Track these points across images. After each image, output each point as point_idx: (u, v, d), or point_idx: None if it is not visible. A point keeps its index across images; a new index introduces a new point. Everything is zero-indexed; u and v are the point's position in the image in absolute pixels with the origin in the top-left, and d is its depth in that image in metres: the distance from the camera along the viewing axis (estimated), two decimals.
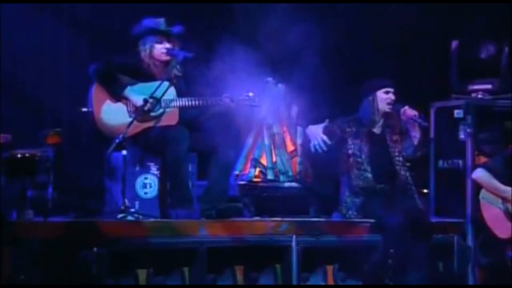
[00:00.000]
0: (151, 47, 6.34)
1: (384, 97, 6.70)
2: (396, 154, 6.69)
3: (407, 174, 6.68)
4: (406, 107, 6.65)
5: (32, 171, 5.97)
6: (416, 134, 6.69)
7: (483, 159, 7.15)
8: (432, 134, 7.33)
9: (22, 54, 7.39)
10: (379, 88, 6.72)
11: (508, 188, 6.76)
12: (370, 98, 6.71)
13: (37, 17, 7.50)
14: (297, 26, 6.92)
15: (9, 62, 7.28)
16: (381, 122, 6.77)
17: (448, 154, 7.32)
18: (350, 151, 6.63)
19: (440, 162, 7.36)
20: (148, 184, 6.37)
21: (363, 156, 6.61)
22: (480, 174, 6.88)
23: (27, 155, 5.98)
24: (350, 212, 6.58)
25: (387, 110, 6.70)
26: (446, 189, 7.30)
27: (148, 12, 6.60)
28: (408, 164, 6.78)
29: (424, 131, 6.80)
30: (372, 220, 6.45)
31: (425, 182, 7.42)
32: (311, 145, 6.58)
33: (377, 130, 6.77)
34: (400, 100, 6.73)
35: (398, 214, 6.30)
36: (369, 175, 6.57)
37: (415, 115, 6.62)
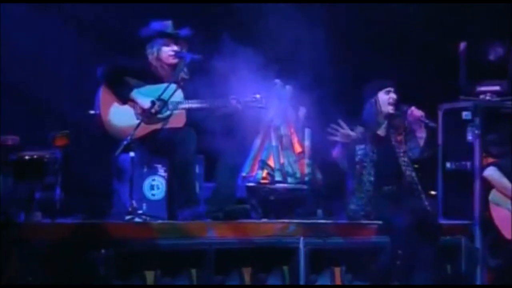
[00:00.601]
0: (159, 50, 6.38)
1: (385, 98, 6.72)
2: (401, 154, 6.69)
3: (413, 174, 6.67)
4: (413, 108, 6.64)
5: (40, 173, 5.97)
6: (422, 135, 6.68)
7: (490, 161, 7.14)
8: (440, 136, 7.32)
9: (30, 57, 7.39)
10: (380, 89, 6.73)
11: None
12: (372, 100, 6.74)
13: (44, 19, 7.50)
14: (304, 27, 6.93)
15: (16, 64, 7.29)
16: (385, 124, 6.78)
17: (456, 155, 7.31)
18: (357, 158, 6.62)
19: (448, 164, 7.35)
20: (155, 185, 6.38)
21: (368, 160, 6.59)
22: (491, 173, 6.91)
23: (35, 157, 5.98)
24: (357, 214, 6.56)
25: (390, 111, 6.71)
26: (454, 191, 7.29)
27: (155, 14, 6.61)
28: (416, 165, 6.76)
29: (431, 132, 6.79)
30: (379, 222, 6.44)
31: (433, 183, 7.40)
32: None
33: (381, 132, 6.78)
34: (409, 102, 6.73)
35: (405, 215, 6.30)
36: (372, 178, 6.56)
37: (421, 116, 6.62)
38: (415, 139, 6.69)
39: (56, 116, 7.33)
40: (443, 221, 6.98)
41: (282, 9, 7.07)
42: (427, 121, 6.65)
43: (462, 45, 7.52)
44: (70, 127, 6.45)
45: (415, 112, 6.63)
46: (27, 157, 5.96)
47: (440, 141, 7.32)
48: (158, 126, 6.22)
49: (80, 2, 7.58)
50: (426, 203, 6.63)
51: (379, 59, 8.04)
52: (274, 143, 7.18)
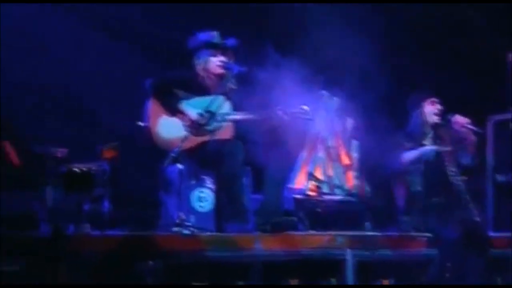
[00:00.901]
0: (206, 61, 6.39)
1: (431, 108, 6.77)
2: (449, 164, 6.65)
3: (462, 184, 6.63)
4: (457, 116, 6.65)
5: (88, 185, 6.07)
6: (471, 142, 6.64)
7: None
8: (489, 147, 7.25)
9: (79, 69, 7.50)
10: (425, 100, 6.78)
11: None
12: (418, 111, 6.79)
13: (92, 31, 7.62)
14: (349, 36, 6.95)
15: (65, 76, 7.39)
16: (431, 134, 6.79)
17: (506, 167, 7.23)
18: (405, 169, 6.61)
19: (498, 176, 7.28)
20: (203, 197, 6.36)
21: (416, 171, 6.57)
22: None
23: (84, 169, 6.10)
24: (405, 226, 6.52)
25: (436, 121, 6.74)
26: (504, 203, 7.21)
27: (200, 25, 6.62)
28: (463, 175, 6.70)
29: (479, 138, 6.74)
30: (428, 234, 6.38)
31: (482, 195, 7.33)
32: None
33: (428, 142, 6.77)
34: (457, 112, 6.73)
35: (454, 227, 6.27)
36: (420, 188, 6.56)
37: (467, 122, 6.61)
38: (465, 147, 6.65)
39: (105, 128, 7.41)
40: (493, 234, 6.89)
41: (326, 18, 7.04)
42: (473, 127, 6.61)
43: (511, 56, 7.44)
44: (119, 139, 6.54)
45: (460, 119, 6.65)
46: (76, 169, 6.08)
47: (490, 152, 7.25)
48: (206, 138, 6.21)
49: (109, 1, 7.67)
50: (475, 214, 6.56)
51: (428, 70, 7.99)
52: (321, 155, 7.19)
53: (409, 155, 6.63)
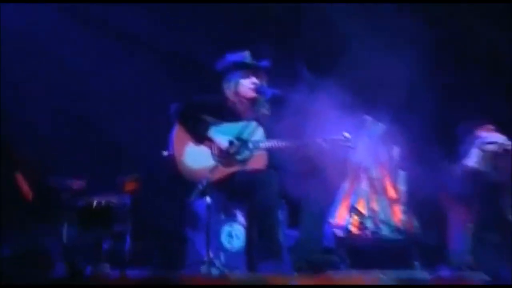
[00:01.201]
0: (237, 83, 6.18)
1: (485, 136, 6.62)
2: (505, 197, 6.41)
3: None
4: None
5: (108, 220, 6.02)
6: None
7: None
8: None
9: (98, 94, 7.50)
10: (479, 127, 6.64)
11: None
12: (471, 138, 6.64)
13: (115, 57, 7.60)
14: (397, 56, 6.80)
15: (84, 102, 7.42)
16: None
17: None
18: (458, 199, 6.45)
19: None
20: (233, 233, 6.24)
21: (470, 203, 6.39)
22: None
23: (102, 203, 6.04)
24: (459, 266, 6.30)
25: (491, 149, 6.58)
26: None
27: (230, 46, 6.40)
28: None
29: None
30: (483, 274, 6.02)
31: None
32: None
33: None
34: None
35: (510, 266, 5.98)
36: (475, 222, 6.35)
37: None
38: None
39: (126, 158, 7.38)
40: None
41: (367, 35, 7.00)
42: None
43: None
44: (141, 170, 6.45)
45: None
46: (94, 203, 6.05)
47: None
48: (236, 168, 5.99)
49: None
50: None
51: (481, 91, 7.70)
52: (364, 186, 7.05)
53: (472, 158, 6.48)
